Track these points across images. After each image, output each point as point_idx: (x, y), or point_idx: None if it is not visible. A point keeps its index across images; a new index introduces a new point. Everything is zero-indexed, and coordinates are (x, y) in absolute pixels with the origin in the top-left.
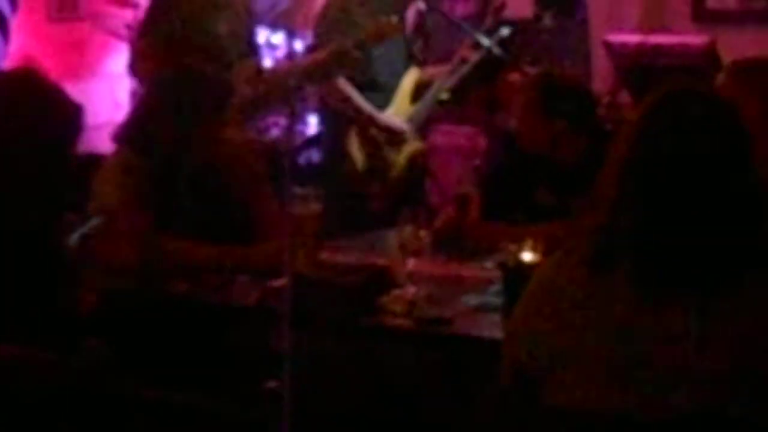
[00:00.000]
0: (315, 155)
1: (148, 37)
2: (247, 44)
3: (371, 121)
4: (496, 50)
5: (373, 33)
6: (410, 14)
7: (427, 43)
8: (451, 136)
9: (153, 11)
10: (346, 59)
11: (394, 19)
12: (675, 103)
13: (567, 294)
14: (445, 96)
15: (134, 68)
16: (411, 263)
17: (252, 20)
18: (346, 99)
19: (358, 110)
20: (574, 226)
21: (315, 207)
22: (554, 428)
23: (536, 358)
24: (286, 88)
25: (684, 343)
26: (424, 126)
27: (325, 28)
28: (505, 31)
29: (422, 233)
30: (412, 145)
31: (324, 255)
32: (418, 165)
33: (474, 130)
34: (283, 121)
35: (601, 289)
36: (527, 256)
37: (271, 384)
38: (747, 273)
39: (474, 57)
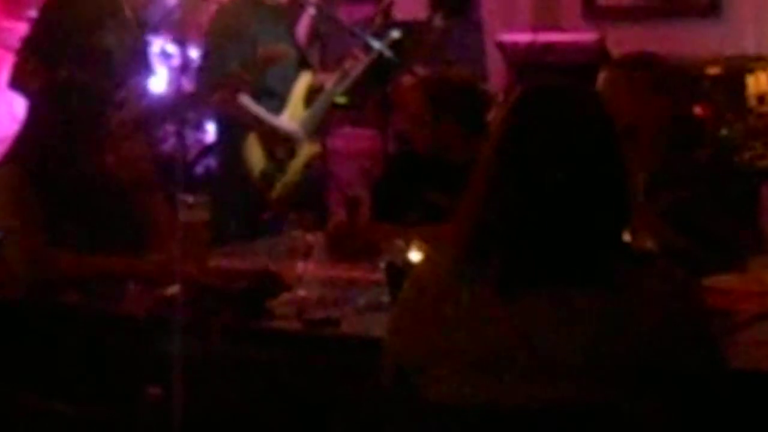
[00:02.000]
0: (213, 163)
1: (34, 52)
2: (139, 56)
3: (267, 127)
4: (387, 53)
5: (264, 58)
6: (303, 21)
7: (322, 49)
8: (350, 139)
9: (38, 26)
10: (238, 84)
11: (284, 46)
12: (535, 100)
13: (437, 291)
14: (342, 100)
15: (18, 83)
16: (301, 267)
17: (143, 31)
18: (240, 107)
19: (253, 117)
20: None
21: (203, 214)
22: (430, 423)
23: (412, 353)
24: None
25: (549, 335)
26: (322, 130)
27: (217, 36)
28: (395, 34)
29: (309, 237)
30: (309, 149)
31: (215, 261)
32: (315, 169)
33: (373, 133)
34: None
35: (469, 285)
36: (413, 256)
37: (155, 390)
38: (611, 267)
39: (365, 59)
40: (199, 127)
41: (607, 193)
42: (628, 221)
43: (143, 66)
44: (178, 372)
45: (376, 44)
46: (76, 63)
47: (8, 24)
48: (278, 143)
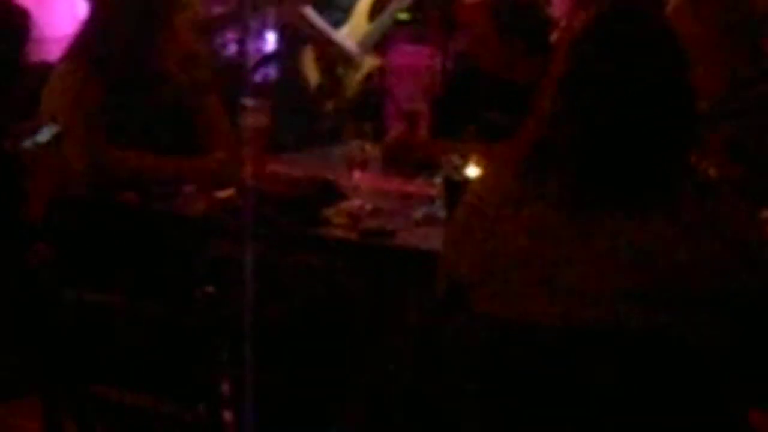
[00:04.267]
0: (272, 72)
1: None
2: None
3: (326, 39)
4: None
5: None
6: None
7: None
8: (410, 56)
9: None
10: None
11: None
12: (609, 22)
13: (495, 207)
14: (404, 16)
15: None
16: (358, 177)
17: None
18: (302, 16)
19: (314, 28)
20: (514, 141)
21: (264, 119)
22: (481, 335)
23: (466, 267)
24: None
25: (607, 256)
26: (382, 45)
27: None
28: None
29: (368, 147)
30: (369, 64)
31: (272, 168)
32: (374, 83)
33: (433, 51)
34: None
35: (529, 202)
36: (471, 171)
37: (209, 289)
38: (676, 190)
39: None
40: (259, 35)
41: (674, 117)
42: (694, 146)
43: None
44: (231, 274)
45: None
46: None
47: None
48: (334, 57)
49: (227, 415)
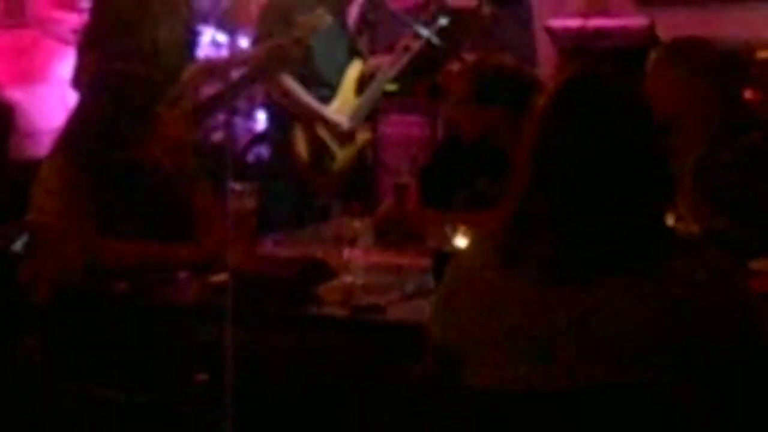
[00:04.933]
0: (264, 151)
1: (92, 48)
2: (188, 46)
3: (315, 116)
4: (435, 40)
5: (303, 27)
6: (353, 9)
7: (372, 37)
8: (399, 126)
9: (95, 23)
10: (284, 56)
11: (321, 11)
12: (572, 90)
13: (481, 278)
14: (392, 87)
15: (79, 82)
16: (349, 253)
17: (195, 21)
18: (290, 94)
19: (302, 105)
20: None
21: (251, 202)
22: (473, 409)
23: (453, 340)
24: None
25: (592, 321)
26: (372, 117)
27: (267, 26)
28: (443, 21)
29: (356, 223)
30: (361, 138)
31: (263, 249)
32: (366, 156)
33: (422, 120)
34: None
35: (514, 271)
36: (460, 242)
37: (203, 377)
38: (656, 252)
39: (414, 47)
40: (249, 115)
41: (647, 179)
42: (668, 206)
43: (190, 57)
44: (226, 359)
45: (425, 31)
46: (132, 56)
47: (60, 15)
48: (325, 133)
49: None
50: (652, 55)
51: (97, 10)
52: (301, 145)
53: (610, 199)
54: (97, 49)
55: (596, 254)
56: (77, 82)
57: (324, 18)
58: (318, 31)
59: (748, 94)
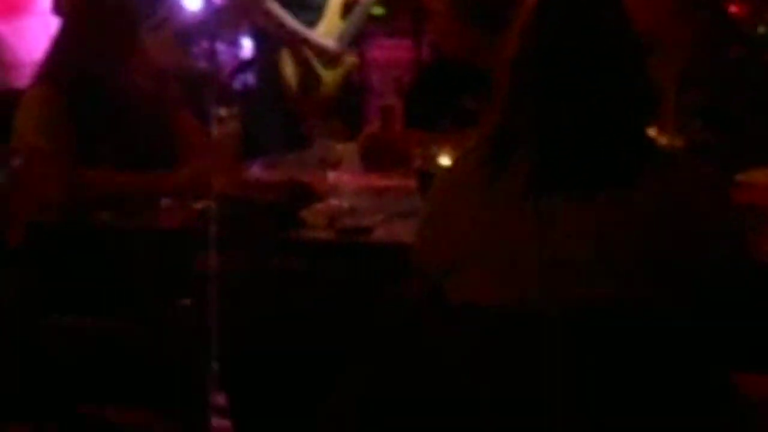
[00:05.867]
0: (250, 78)
1: None
2: None
3: (302, 40)
4: None
5: None
6: None
7: None
8: (385, 49)
9: None
10: None
11: None
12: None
13: (467, 194)
14: (379, 11)
15: (60, 8)
16: (333, 176)
17: None
18: (276, 19)
19: (288, 30)
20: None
21: (235, 127)
22: (458, 326)
23: (439, 257)
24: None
25: (573, 235)
26: (359, 41)
27: None
28: None
29: (339, 146)
30: (348, 61)
31: (248, 174)
32: (353, 80)
33: (408, 43)
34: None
35: (496, 187)
36: (444, 161)
37: (185, 302)
38: (635, 165)
39: None
40: (234, 42)
41: (626, 92)
42: (649, 118)
43: None
44: (209, 284)
45: None
46: None
47: None
48: (312, 57)
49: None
50: None
51: None
52: (288, 70)
53: (590, 109)
54: None
55: (578, 164)
56: (58, 8)
57: None
58: None
59: (733, 7)
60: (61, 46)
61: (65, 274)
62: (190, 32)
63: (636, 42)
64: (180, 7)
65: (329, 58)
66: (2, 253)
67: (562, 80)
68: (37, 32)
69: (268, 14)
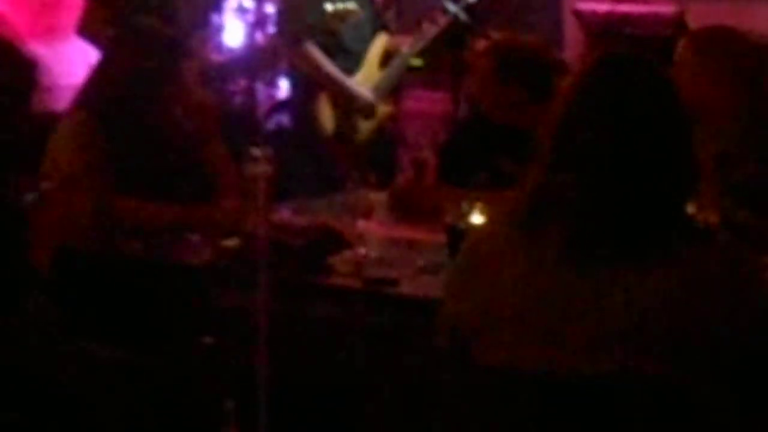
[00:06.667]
0: (285, 119)
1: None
2: (204, 9)
3: (339, 86)
4: (462, 16)
5: (332, 17)
6: None
7: (399, 10)
8: (422, 101)
9: None
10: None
11: (352, 5)
12: (609, 68)
13: (498, 254)
14: (417, 62)
15: (87, 32)
16: (363, 225)
17: None
18: (315, 64)
19: (327, 75)
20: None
21: (269, 168)
22: (483, 388)
23: (466, 317)
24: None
25: (605, 306)
26: (396, 91)
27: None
28: None
29: (372, 195)
30: (382, 111)
31: (279, 216)
32: (387, 130)
33: (445, 96)
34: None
35: (532, 250)
36: (476, 219)
37: (208, 340)
38: (672, 240)
39: (441, 22)
40: (272, 82)
41: (669, 166)
42: (690, 195)
43: (208, 19)
44: (234, 324)
45: (452, 7)
46: (142, 12)
47: None
48: (349, 104)
49: None
50: (680, 43)
51: None
52: (324, 115)
53: (631, 183)
54: (105, 7)
55: (614, 237)
56: (83, 34)
57: (355, 11)
58: (345, 21)
59: None
60: (99, 74)
61: (89, 300)
62: (228, 69)
63: (683, 116)
64: (220, 43)
65: (364, 107)
66: (27, 276)
67: (606, 148)
68: (75, 55)
69: (306, 58)
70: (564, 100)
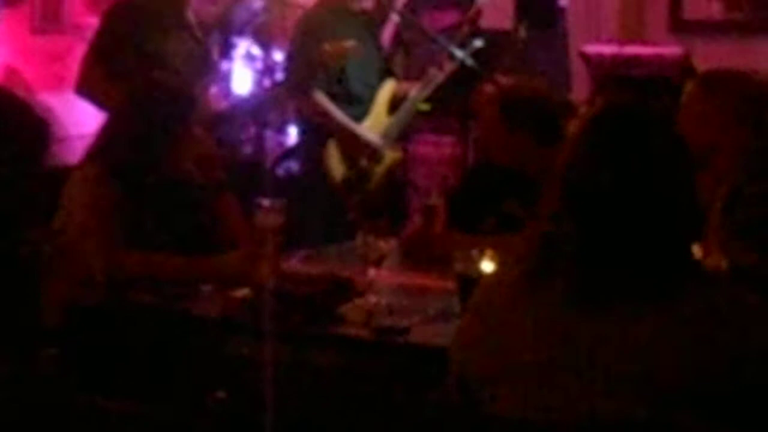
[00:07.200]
0: (294, 166)
1: (99, 60)
2: (202, 61)
3: (348, 133)
4: (469, 61)
5: (331, 55)
6: (387, 28)
7: (406, 56)
8: (430, 146)
9: (101, 35)
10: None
11: (352, 42)
12: (606, 118)
13: (504, 303)
14: (425, 107)
15: (84, 90)
16: (374, 273)
17: (205, 34)
18: (323, 111)
19: (335, 122)
20: (524, 238)
21: (277, 218)
22: None
23: (476, 366)
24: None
25: (616, 352)
26: (404, 136)
27: (302, 40)
28: (478, 43)
29: (382, 243)
30: (391, 156)
31: (289, 265)
32: (396, 176)
33: (453, 140)
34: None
35: (540, 299)
36: (486, 266)
37: (221, 394)
38: (681, 285)
39: (448, 68)
40: (281, 130)
41: (676, 212)
42: (694, 239)
43: (207, 69)
44: (246, 375)
45: (459, 53)
46: (143, 68)
47: (95, 21)
48: (358, 151)
49: None
50: (688, 86)
51: (103, 22)
52: (333, 161)
53: (638, 230)
54: (104, 64)
55: (621, 284)
56: (80, 92)
57: (355, 49)
58: (345, 59)
59: None
60: (111, 127)
61: (100, 354)
62: (236, 116)
63: (688, 160)
64: (228, 90)
65: (373, 153)
66: (38, 329)
67: (613, 194)
68: (86, 106)
69: (315, 105)
70: (570, 147)
